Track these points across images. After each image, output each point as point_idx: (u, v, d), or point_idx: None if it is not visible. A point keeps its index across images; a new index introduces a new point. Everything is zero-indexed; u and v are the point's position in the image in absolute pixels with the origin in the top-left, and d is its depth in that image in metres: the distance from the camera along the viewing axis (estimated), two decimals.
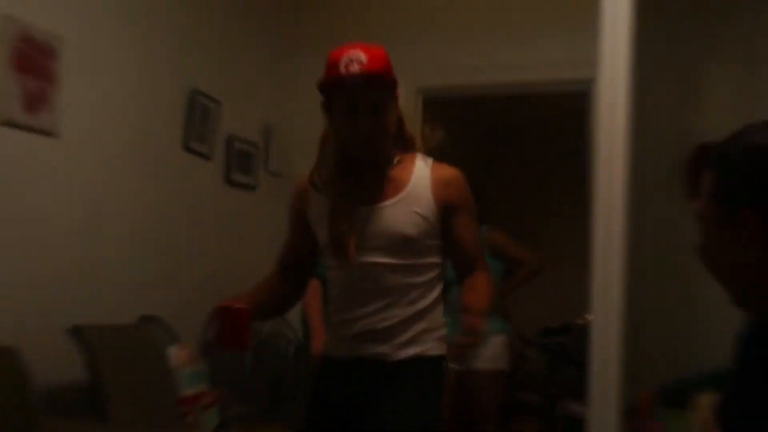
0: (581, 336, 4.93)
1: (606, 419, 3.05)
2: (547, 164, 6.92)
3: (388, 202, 2.00)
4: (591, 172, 4.11)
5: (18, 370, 2.29)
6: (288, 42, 4.54)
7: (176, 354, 3.13)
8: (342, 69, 1.90)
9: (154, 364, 2.98)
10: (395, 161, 2.05)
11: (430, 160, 2.09)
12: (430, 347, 2.05)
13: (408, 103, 2.04)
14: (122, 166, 3.19)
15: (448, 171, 2.07)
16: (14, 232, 2.63)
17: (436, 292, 2.05)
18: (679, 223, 4.09)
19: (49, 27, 2.72)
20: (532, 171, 6.92)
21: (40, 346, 2.51)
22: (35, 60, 2.64)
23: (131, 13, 3.22)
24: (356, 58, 1.90)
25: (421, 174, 2.03)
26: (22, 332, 2.49)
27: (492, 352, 3.83)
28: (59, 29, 2.77)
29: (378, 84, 1.94)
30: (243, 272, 4.05)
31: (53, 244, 2.81)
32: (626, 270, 3.07)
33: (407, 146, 2.09)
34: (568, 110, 4.87)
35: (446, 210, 2.02)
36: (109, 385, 2.66)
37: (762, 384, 1.19)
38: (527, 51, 4.19)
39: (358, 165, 2.02)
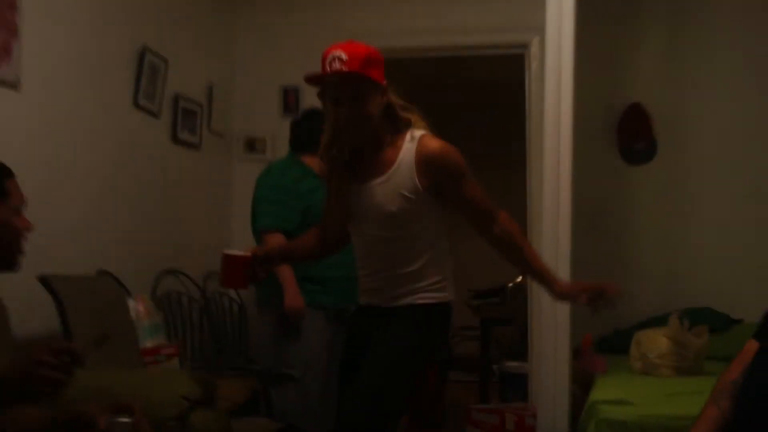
0: (512, 297, 5.31)
1: (557, 364, 3.37)
2: (483, 125, 7.14)
3: (375, 182, 2.34)
4: (527, 134, 4.45)
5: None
6: (230, 3, 4.70)
7: (135, 307, 3.31)
8: (326, 67, 2.25)
9: (117, 315, 3.14)
10: (387, 143, 2.36)
11: (417, 138, 2.35)
12: (420, 297, 2.40)
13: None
14: (78, 120, 3.31)
15: (431, 149, 2.34)
16: None
17: (427, 255, 2.39)
18: (613, 177, 4.50)
19: None
20: (468, 130, 7.12)
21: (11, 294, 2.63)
22: None
23: None
24: (338, 56, 2.24)
25: (406, 154, 2.34)
26: None
27: None
28: None
29: (355, 79, 2.26)
30: (186, 228, 4.26)
31: None
32: (572, 224, 3.33)
33: (402, 128, 2.38)
34: (503, 73, 5.17)
35: (433, 186, 2.33)
36: (77, 333, 2.82)
37: None
38: (468, 15, 4.43)
39: (353, 147, 2.38)
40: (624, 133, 4.46)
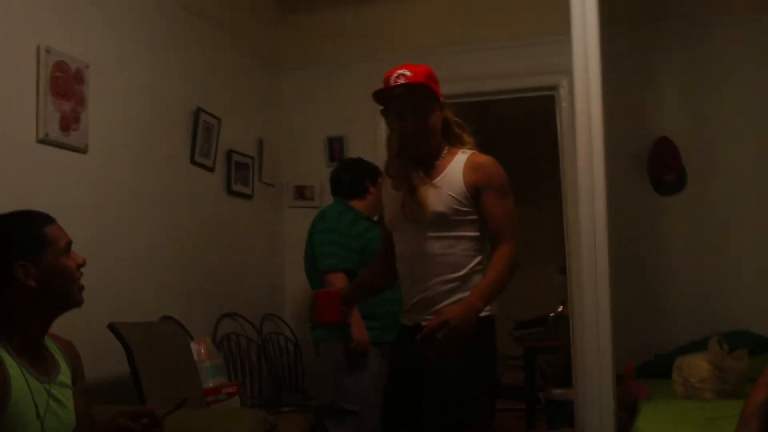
0: (556, 326, 5.27)
1: (602, 392, 3.30)
2: (512, 169, 7.22)
3: (427, 185, 2.37)
4: (561, 171, 4.44)
5: (74, 359, 2.49)
6: (275, 66, 4.82)
7: (197, 349, 3.36)
8: (392, 82, 2.33)
9: (180, 358, 3.17)
10: (443, 153, 2.42)
11: (469, 152, 2.43)
12: None
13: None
14: (140, 177, 3.40)
15: (480, 158, 2.41)
16: None
17: (474, 261, 2.36)
18: (646, 209, 4.45)
19: (79, 56, 2.95)
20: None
21: (83, 340, 2.70)
22: (69, 85, 2.87)
23: (145, 43, 3.48)
24: (402, 73, 2.33)
25: (458, 162, 2.40)
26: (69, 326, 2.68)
27: None
28: (87, 58, 3.00)
29: (418, 91, 2.34)
30: (242, 273, 4.32)
31: (88, 250, 2.99)
32: (610, 255, 3.28)
33: (454, 142, 2.46)
34: (534, 114, 5.18)
35: (475, 190, 2.36)
36: (144, 376, 2.87)
37: None
38: (498, 62, 4.47)
39: (415, 157, 2.42)
40: (654, 166, 4.41)
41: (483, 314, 2.29)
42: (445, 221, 2.36)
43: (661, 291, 4.35)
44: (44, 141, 2.78)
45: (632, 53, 4.40)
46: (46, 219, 1.88)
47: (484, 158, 2.42)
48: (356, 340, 3.41)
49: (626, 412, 3.53)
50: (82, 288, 1.89)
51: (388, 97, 2.38)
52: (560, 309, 5.14)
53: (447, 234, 2.37)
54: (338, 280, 3.42)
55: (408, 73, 2.34)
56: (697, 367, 3.61)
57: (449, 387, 2.29)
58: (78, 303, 1.88)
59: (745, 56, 4.29)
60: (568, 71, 3.55)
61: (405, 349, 2.42)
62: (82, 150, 2.99)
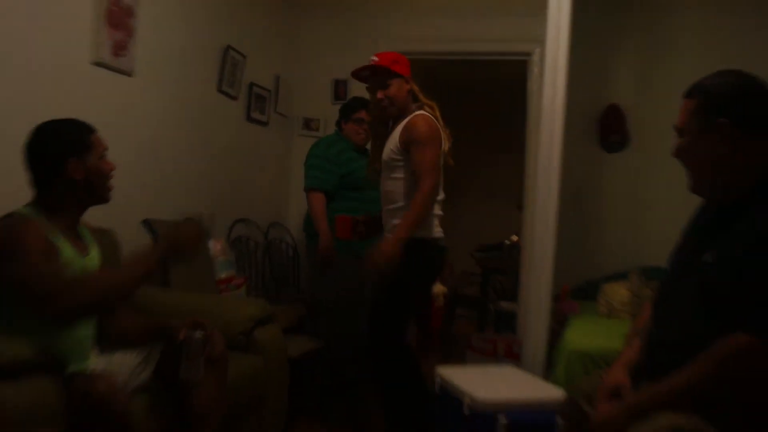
0: (509, 252, 5.40)
1: (540, 305, 3.43)
2: (487, 120, 7.15)
3: (386, 140, 2.72)
4: (527, 127, 4.49)
5: (114, 245, 2.61)
6: (293, 10, 4.78)
7: (213, 245, 3.41)
8: (365, 64, 2.68)
9: (200, 253, 3.26)
10: (408, 116, 2.66)
11: (415, 114, 2.65)
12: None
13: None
14: (175, 100, 3.42)
15: (413, 119, 2.63)
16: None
17: (406, 197, 2.64)
18: (594, 163, 4.54)
19: None
20: (475, 125, 7.03)
21: (122, 231, 2.80)
22: (120, 17, 2.87)
23: None
24: (372, 58, 2.67)
25: (402, 124, 2.66)
26: (113, 219, 2.78)
27: None
28: None
29: (380, 72, 2.65)
30: (255, 187, 4.40)
31: (130, 159, 3.03)
32: (560, 197, 3.38)
33: (421, 107, 2.69)
34: (512, 76, 5.18)
35: (405, 144, 2.61)
36: (169, 264, 2.91)
37: (700, 242, 1.57)
38: (484, 27, 4.46)
39: (384, 120, 2.76)
40: (603, 128, 4.48)
41: (416, 237, 2.56)
42: (387, 166, 2.67)
43: (596, 230, 4.47)
44: (97, 63, 2.80)
45: (596, 32, 4.39)
46: (91, 128, 1.98)
47: (415, 119, 2.62)
48: (320, 250, 3.45)
49: (558, 324, 3.69)
50: (111, 188, 2.00)
51: (362, 77, 2.71)
52: (514, 238, 5.25)
53: (390, 176, 2.68)
54: (315, 199, 3.49)
55: (375, 59, 2.66)
56: (618, 293, 3.76)
57: (380, 289, 2.67)
58: (107, 200, 2.00)
59: (688, 42, 4.31)
60: (542, 41, 3.57)
61: None
62: (129, 73, 3.01)
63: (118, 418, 1.68)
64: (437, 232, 2.69)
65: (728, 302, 1.41)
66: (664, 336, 1.55)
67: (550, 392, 2.64)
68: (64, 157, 1.88)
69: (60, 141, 1.90)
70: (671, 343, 1.52)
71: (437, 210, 2.69)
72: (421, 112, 2.66)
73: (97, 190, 1.95)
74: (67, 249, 1.87)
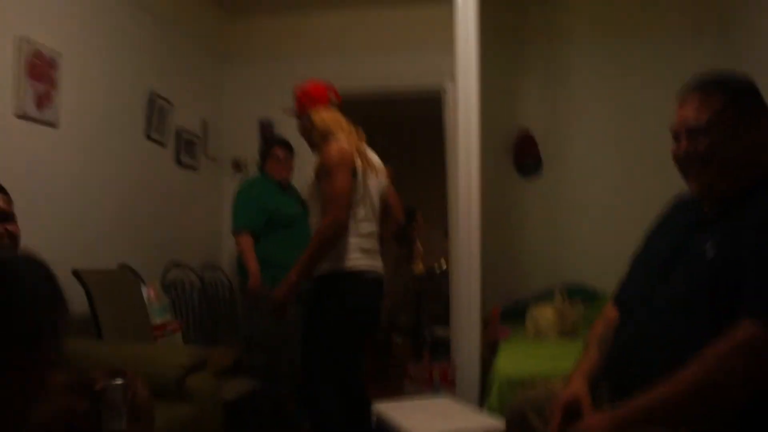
0: (440, 278, 5.46)
1: (471, 332, 3.39)
2: (410, 153, 7.23)
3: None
4: (447, 157, 4.56)
5: None
6: (216, 57, 4.78)
7: (147, 292, 3.32)
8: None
9: (133, 300, 3.15)
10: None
11: (328, 143, 2.57)
12: (318, 269, 2.53)
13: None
14: (103, 150, 3.36)
15: (323, 148, 2.57)
16: (26, 202, 2.78)
17: None
18: (511, 187, 4.60)
19: (53, 45, 2.90)
20: (399, 158, 7.18)
21: None
22: (43, 70, 2.82)
23: (108, 36, 3.42)
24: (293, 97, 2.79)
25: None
26: None
27: None
28: (59, 47, 2.95)
29: (297, 108, 2.71)
30: (187, 230, 4.33)
31: (57, 210, 2.99)
32: (481, 221, 3.38)
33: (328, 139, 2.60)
34: (432, 110, 5.26)
35: (317, 176, 2.54)
36: (102, 315, 2.83)
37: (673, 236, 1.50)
38: (400, 65, 4.56)
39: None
40: (518, 153, 4.55)
41: (328, 271, 2.47)
42: (309, 203, 2.64)
43: (520, 251, 4.53)
44: (21, 116, 2.73)
45: (505, 64, 4.53)
46: None
47: (325, 148, 2.56)
48: (250, 290, 3.41)
49: (490, 348, 3.67)
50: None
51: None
52: (444, 264, 5.31)
53: (313, 212, 2.61)
54: (243, 240, 3.44)
55: (296, 93, 2.72)
56: (544, 315, 3.75)
57: (305, 327, 2.60)
58: None
59: (589, 71, 4.49)
60: (453, 75, 3.62)
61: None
62: (54, 125, 2.95)
63: None
64: (357, 264, 2.49)
65: (734, 293, 1.28)
66: (644, 338, 1.42)
67: (485, 423, 2.56)
68: None
69: None
70: (656, 344, 1.39)
71: (363, 242, 2.53)
72: (334, 140, 2.54)
73: None
74: None
